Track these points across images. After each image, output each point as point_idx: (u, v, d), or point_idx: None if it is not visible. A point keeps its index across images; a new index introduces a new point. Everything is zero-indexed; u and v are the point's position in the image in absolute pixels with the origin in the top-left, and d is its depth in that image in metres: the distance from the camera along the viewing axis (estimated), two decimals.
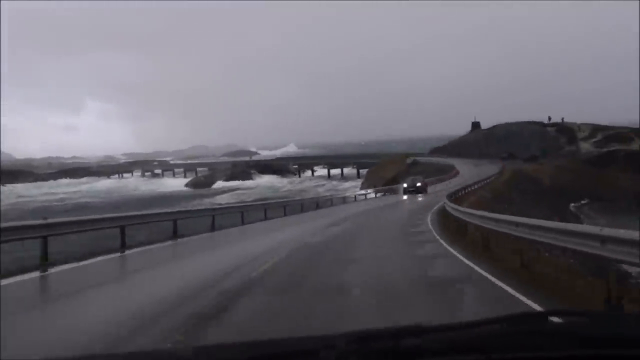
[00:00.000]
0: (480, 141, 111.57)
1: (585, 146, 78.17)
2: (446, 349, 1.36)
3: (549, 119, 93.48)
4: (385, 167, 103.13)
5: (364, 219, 26.44)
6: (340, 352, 1.32)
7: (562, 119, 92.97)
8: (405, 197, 50.89)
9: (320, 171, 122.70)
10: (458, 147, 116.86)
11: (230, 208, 29.34)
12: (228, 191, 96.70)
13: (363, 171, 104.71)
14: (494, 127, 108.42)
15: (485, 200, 39.22)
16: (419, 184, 54.55)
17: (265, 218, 28.55)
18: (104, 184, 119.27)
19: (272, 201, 39.73)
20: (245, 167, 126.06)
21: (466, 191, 43.44)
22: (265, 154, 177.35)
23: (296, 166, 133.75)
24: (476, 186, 50.36)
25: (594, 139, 79.77)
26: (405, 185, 55.05)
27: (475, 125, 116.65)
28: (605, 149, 73.27)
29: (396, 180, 71.74)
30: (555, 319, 1.66)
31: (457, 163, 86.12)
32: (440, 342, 1.40)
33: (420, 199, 45.99)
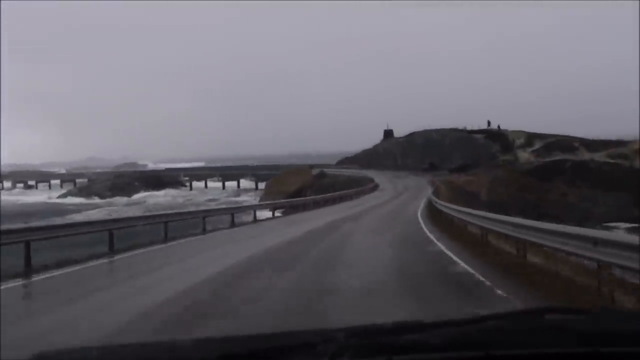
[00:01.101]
0: (394, 151, 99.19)
1: (524, 155, 67.06)
2: (445, 344, 1.37)
3: (489, 123, 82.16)
4: (288, 179, 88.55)
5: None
6: (339, 346, 1.33)
7: (499, 126, 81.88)
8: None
9: (215, 184, 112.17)
10: (369, 157, 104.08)
11: None
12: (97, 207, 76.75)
13: (263, 184, 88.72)
14: (411, 134, 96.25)
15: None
16: None
17: None
18: None
19: None
20: (130, 178, 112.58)
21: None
22: (163, 167, 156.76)
23: (187, 178, 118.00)
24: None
25: (532, 148, 68.93)
26: None
27: (388, 133, 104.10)
28: (548, 159, 62.26)
29: (302, 193, 56.54)
30: (553, 316, 1.68)
31: (374, 175, 72.40)
32: (439, 338, 1.40)
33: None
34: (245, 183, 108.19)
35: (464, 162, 76.29)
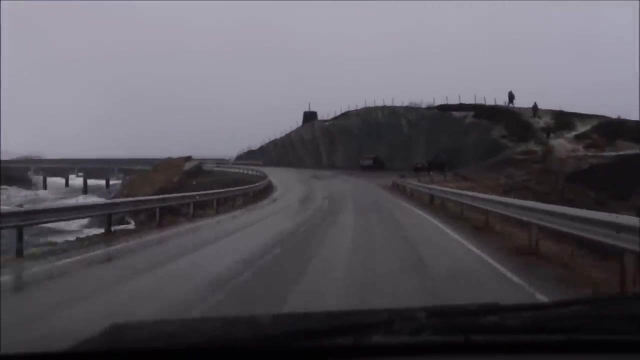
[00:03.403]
0: (318, 141, 65.74)
1: (563, 145, 34.83)
2: (524, 327, 1.37)
3: (511, 98, 47.40)
4: (153, 176, 57.13)
5: None
6: (419, 324, 1.34)
7: (511, 95, 47.74)
8: None
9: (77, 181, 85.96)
10: (283, 149, 70.63)
11: None
12: None
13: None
14: (344, 115, 62.90)
15: None
16: None
17: None
18: None
19: None
20: None
21: None
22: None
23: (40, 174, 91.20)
24: None
25: (571, 133, 37.09)
26: None
27: (309, 116, 70.45)
28: (612, 152, 31.12)
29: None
30: (633, 304, 1.68)
31: (280, 173, 39.51)
32: (518, 320, 1.42)
33: None
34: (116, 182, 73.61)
35: (439, 156, 43.68)
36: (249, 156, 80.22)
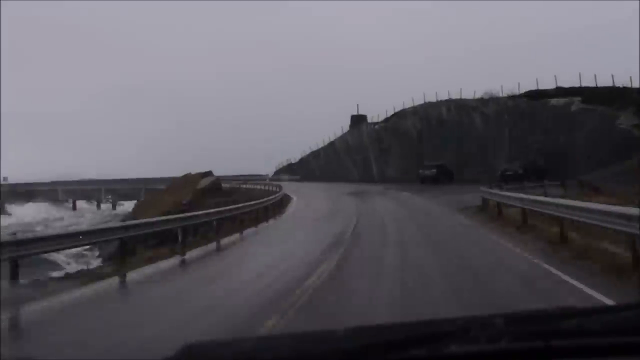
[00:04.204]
0: (365, 146, 53.59)
1: None
2: (606, 330, 1.34)
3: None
4: (166, 196, 46.01)
5: None
6: (497, 331, 1.32)
7: None
8: None
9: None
10: (325, 160, 59.18)
11: None
12: None
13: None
14: (398, 114, 50.30)
15: None
16: None
17: None
18: None
19: None
20: None
21: None
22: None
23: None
24: None
25: None
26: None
27: (358, 120, 57.98)
28: None
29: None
30: None
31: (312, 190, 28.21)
32: (598, 323, 1.38)
33: None
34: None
35: (534, 160, 30.43)
36: (288, 170, 69.02)
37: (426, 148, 44.51)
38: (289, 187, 46.33)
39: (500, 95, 40.54)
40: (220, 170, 71.41)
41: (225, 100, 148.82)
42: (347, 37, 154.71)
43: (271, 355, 1.38)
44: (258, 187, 42.97)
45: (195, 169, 54.72)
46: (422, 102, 47.04)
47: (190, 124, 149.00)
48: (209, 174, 49.96)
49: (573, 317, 1.44)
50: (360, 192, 31.90)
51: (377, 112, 54.84)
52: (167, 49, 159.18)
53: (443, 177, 37.62)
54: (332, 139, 60.82)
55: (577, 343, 1.30)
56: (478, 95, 41.99)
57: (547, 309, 1.50)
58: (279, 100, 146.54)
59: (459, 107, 42.87)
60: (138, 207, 49.18)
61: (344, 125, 59.55)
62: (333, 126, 62.96)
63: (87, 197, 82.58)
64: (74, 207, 77.34)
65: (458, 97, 43.61)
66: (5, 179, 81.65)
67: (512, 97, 38.88)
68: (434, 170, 37.87)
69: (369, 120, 56.13)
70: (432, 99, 45.99)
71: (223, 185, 49.95)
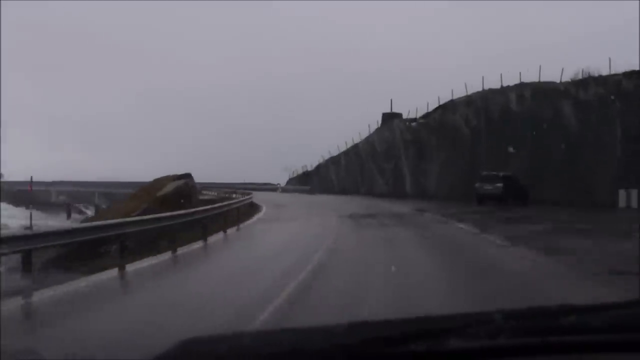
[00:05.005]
0: (396, 150, 40.27)
1: None
2: (607, 326, 1.34)
3: None
4: (129, 203, 29.05)
5: None
6: (496, 327, 1.31)
7: None
8: None
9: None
10: (345, 168, 46.73)
11: None
12: None
13: None
14: (444, 107, 36.85)
15: None
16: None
17: None
18: None
19: None
20: None
21: None
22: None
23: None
24: None
25: None
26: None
27: (390, 117, 44.72)
28: None
29: None
30: None
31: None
32: (599, 320, 1.38)
33: None
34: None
35: None
36: (302, 180, 56.46)
37: (484, 152, 30.95)
38: (278, 199, 33.92)
39: (602, 73, 26.63)
40: (233, 178, 60.06)
41: (248, 107, 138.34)
42: (375, 37, 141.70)
43: (269, 350, 1.34)
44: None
45: (209, 175, 43.93)
46: (480, 89, 33.41)
47: (212, 130, 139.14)
48: (186, 176, 37.37)
49: (572, 314, 1.44)
50: (379, 216, 18.83)
51: (414, 107, 41.39)
52: (191, 58, 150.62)
53: (512, 196, 24.11)
54: (355, 141, 47.74)
55: (576, 339, 1.29)
56: (568, 77, 28.16)
57: (547, 306, 1.47)
58: (303, 104, 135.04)
59: (537, 93, 28.99)
60: (91, 218, 37.74)
61: (373, 126, 46.39)
62: (361, 127, 49.06)
63: (87, 201, 72.46)
64: (69, 215, 66.43)
65: (536, 79, 29.86)
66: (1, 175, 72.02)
67: (630, 75, 24.83)
68: (499, 185, 24.19)
69: (405, 117, 42.89)
70: (496, 84, 32.35)
71: (208, 193, 38.86)
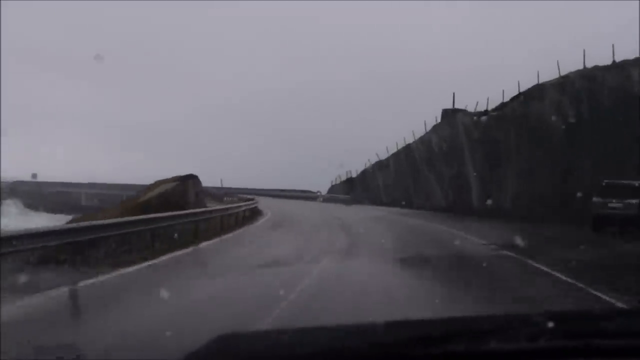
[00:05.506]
0: (460, 151, 31.21)
1: None
2: None
3: None
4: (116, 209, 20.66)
5: None
6: (537, 330, 1.30)
7: None
8: None
9: None
10: (395, 172, 38.36)
11: None
12: None
13: None
14: (525, 95, 27.67)
15: None
16: None
17: None
18: None
19: None
20: None
21: None
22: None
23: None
24: None
25: None
26: None
27: (451, 113, 35.90)
28: None
29: None
30: None
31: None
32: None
33: None
34: None
35: None
36: (346, 186, 48.67)
37: (585, 153, 21.99)
38: (290, 212, 26.71)
39: None
40: (277, 183, 54.99)
41: (300, 112, 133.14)
42: (433, 37, 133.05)
43: (309, 349, 1.32)
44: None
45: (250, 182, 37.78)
46: (580, 67, 24.32)
47: (262, 136, 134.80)
48: (187, 178, 29.97)
49: (614, 318, 1.40)
50: (429, 265, 10.76)
51: (483, 100, 32.46)
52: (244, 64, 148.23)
53: None
54: (408, 142, 39.22)
55: (618, 344, 1.27)
56: None
57: (588, 309, 1.35)
58: (357, 107, 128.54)
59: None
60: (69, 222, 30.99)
61: (430, 124, 37.73)
62: (416, 127, 40.09)
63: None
64: None
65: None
66: None
67: None
68: (635, 203, 15.31)
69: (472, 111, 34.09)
70: (605, 59, 23.17)
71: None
